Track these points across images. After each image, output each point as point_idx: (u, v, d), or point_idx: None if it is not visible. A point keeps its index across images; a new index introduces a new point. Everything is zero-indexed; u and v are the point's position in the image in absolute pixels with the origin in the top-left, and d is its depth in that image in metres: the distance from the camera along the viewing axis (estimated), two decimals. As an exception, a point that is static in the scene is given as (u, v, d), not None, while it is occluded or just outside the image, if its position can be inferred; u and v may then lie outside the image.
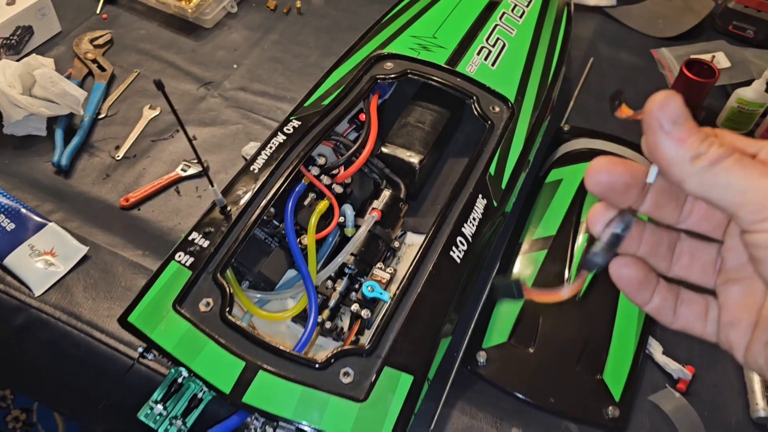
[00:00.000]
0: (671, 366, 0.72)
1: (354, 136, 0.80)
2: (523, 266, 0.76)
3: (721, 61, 1.05)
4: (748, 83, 0.96)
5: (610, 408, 0.67)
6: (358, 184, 0.78)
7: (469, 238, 0.65)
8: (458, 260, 0.63)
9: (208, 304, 0.58)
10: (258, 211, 0.64)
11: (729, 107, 0.96)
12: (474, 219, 0.66)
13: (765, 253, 0.28)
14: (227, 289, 0.59)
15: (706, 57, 1.03)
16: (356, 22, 1.12)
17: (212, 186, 0.61)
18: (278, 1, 1.15)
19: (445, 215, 0.66)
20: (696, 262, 0.34)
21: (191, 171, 0.88)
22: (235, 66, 1.04)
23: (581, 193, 0.82)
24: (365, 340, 0.63)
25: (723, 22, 1.12)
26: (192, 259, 0.61)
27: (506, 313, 0.73)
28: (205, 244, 0.62)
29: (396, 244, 0.72)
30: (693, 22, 1.11)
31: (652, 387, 0.71)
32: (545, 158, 0.91)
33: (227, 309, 0.58)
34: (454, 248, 0.63)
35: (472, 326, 0.72)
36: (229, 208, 0.64)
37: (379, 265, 0.67)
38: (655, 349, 0.73)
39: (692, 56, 0.99)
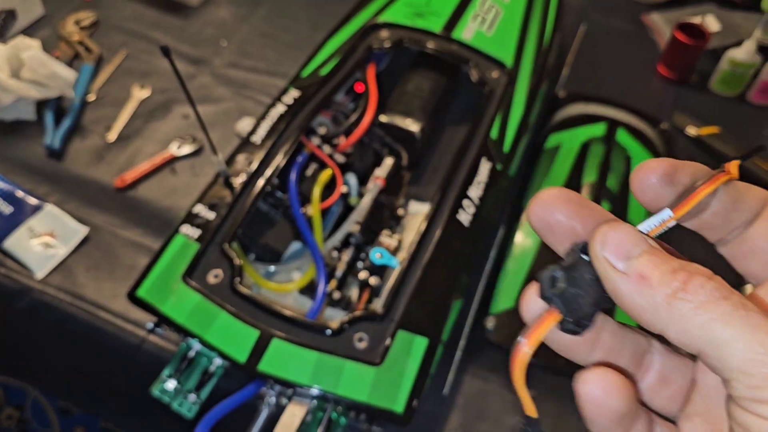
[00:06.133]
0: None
1: (351, 107, 0.79)
2: (528, 231, 0.76)
3: (712, 24, 1.05)
4: (738, 45, 0.96)
5: (620, 366, 0.67)
6: (358, 155, 0.77)
7: (476, 201, 0.65)
8: (466, 223, 0.63)
9: (217, 275, 0.58)
10: (262, 182, 0.63)
11: (721, 69, 0.96)
12: (479, 182, 0.66)
13: None
14: (236, 260, 0.58)
15: (697, 20, 1.03)
16: (345, -5, 1.11)
17: (216, 154, 0.61)
18: (265, -23, 1.14)
19: (451, 179, 0.65)
20: (667, 385, 0.25)
21: (186, 150, 0.87)
22: (224, 43, 1.03)
23: (581, 157, 0.82)
24: (375, 307, 0.63)
25: (711, -14, 1.13)
26: (199, 232, 0.60)
27: (513, 279, 0.73)
28: (211, 216, 0.61)
29: (401, 211, 0.71)
30: (682, -14, 1.12)
31: (658, 345, 0.71)
32: (543, 124, 0.90)
33: (237, 279, 0.57)
34: (461, 211, 0.63)
35: (480, 293, 0.72)
36: (232, 180, 0.63)
37: (386, 231, 0.67)
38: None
39: (683, 19, 1.00)
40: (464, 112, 0.85)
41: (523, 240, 0.76)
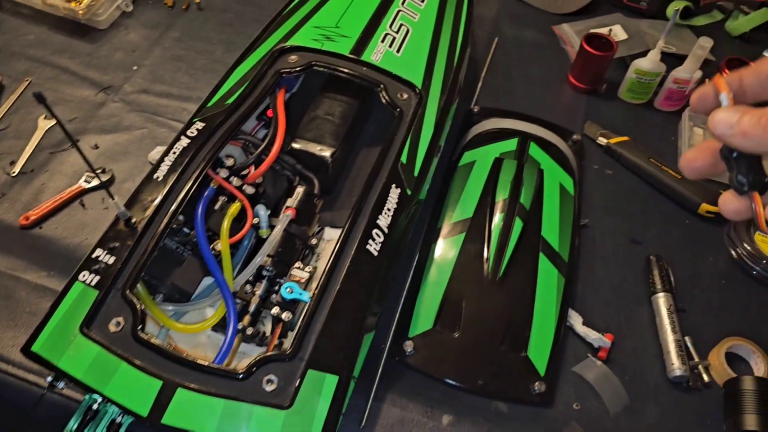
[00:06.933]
0: (591, 336, 0.74)
1: (263, 133, 0.78)
2: (444, 251, 0.77)
3: (619, 33, 1.08)
4: (644, 54, 0.99)
5: (537, 384, 0.68)
6: (271, 183, 0.76)
7: (385, 230, 0.64)
8: (375, 253, 0.63)
9: (118, 323, 0.56)
10: (165, 221, 0.62)
11: (628, 78, 0.99)
12: (389, 210, 0.66)
13: None
14: (138, 306, 0.56)
15: (604, 31, 1.05)
16: (259, 14, 1.09)
17: (113, 199, 0.59)
18: (176, -4, 1.11)
19: (360, 208, 0.65)
20: None
21: (95, 182, 0.84)
22: (135, 68, 1.00)
23: (494, 172, 0.83)
24: (287, 343, 0.62)
25: (618, -4, 1.16)
26: (98, 278, 0.58)
27: (430, 300, 0.73)
28: (111, 260, 0.59)
29: (313, 241, 0.71)
30: (590, -4, 1.14)
31: (575, 358, 0.73)
32: (457, 141, 0.91)
33: (139, 327, 0.55)
34: (370, 241, 0.63)
35: (397, 317, 0.72)
36: (134, 220, 0.61)
37: (298, 264, 0.66)
38: (576, 320, 0.75)
39: (591, 31, 1.02)
40: (379, 132, 0.85)
41: (439, 261, 0.76)
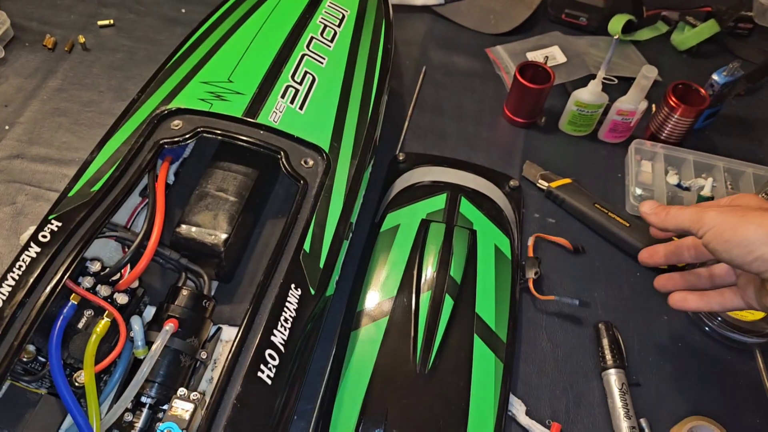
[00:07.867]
0: (535, 429, 0.65)
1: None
2: (364, 341, 0.66)
3: (557, 56, 0.99)
4: (585, 79, 0.90)
5: (474, 499, 0.59)
6: (159, 277, 0.65)
7: (281, 348, 0.54)
8: (269, 381, 0.52)
9: None
10: (6, 359, 0.50)
11: (568, 110, 0.89)
12: (287, 320, 0.55)
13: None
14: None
15: (540, 56, 0.96)
16: (155, 52, 0.96)
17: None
18: (58, 37, 0.97)
19: (251, 322, 0.54)
20: None
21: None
22: (6, 127, 0.86)
23: (420, 239, 0.73)
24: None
25: (555, 12, 1.06)
26: None
27: (349, 405, 0.63)
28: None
29: (203, 354, 0.60)
30: (525, 14, 1.04)
31: (519, 456, 0.64)
32: (380, 199, 0.81)
33: None
34: (262, 366, 0.52)
35: (311, 428, 0.62)
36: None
37: (181, 391, 0.55)
38: (518, 409, 0.66)
39: (528, 56, 0.92)
40: (287, 197, 0.74)
41: (359, 354, 0.66)
